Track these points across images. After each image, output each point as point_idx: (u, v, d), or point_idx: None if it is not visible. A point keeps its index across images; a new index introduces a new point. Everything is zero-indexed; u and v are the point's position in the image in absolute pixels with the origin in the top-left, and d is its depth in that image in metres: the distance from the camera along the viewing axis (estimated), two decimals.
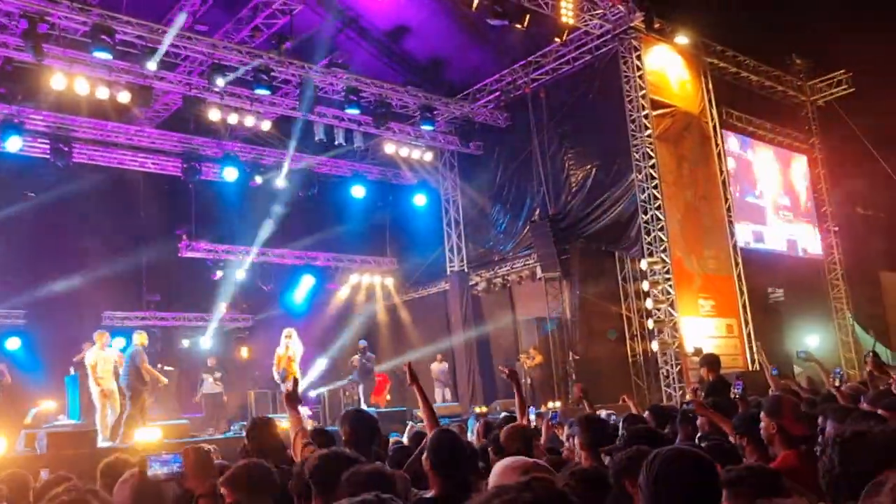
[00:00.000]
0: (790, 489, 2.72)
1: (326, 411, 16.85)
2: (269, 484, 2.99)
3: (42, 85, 13.80)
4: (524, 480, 1.75)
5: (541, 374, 15.82)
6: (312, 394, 18.24)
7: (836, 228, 19.97)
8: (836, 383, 7.13)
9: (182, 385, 17.12)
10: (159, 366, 16.74)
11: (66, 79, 13.40)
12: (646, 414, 6.46)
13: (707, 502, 2.20)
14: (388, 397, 17.49)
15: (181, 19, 12.96)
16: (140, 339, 12.45)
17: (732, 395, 6.20)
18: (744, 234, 17.49)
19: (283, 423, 7.50)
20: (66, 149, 15.23)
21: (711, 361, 7.61)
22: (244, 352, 19.43)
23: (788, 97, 19.93)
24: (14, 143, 14.33)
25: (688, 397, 12.91)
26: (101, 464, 4.32)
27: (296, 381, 5.03)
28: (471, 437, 6.62)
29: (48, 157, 15.24)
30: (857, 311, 19.43)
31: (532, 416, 5.86)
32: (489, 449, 4.71)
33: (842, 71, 19.32)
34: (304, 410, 14.87)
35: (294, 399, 4.74)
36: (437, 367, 17.60)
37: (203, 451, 2.52)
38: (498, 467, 2.36)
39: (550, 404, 14.48)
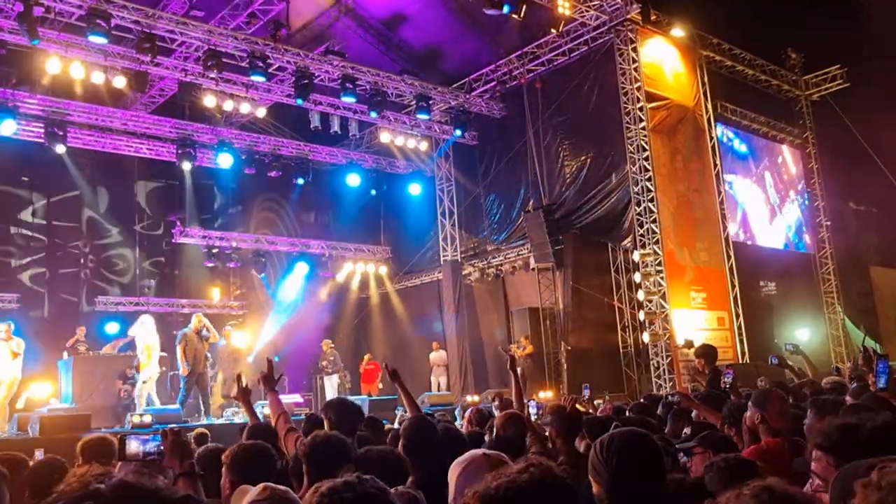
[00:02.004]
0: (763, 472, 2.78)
1: (319, 399, 16.92)
2: (267, 465, 3.03)
3: (37, 69, 13.78)
4: (525, 464, 1.81)
5: (531, 364, 15.89)
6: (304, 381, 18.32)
7: (829, 223, 20.07)
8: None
9: (174, 371, 17.13)
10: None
11: (62, 63, 13.37)
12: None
13: (654, 475, 2.35)
14: (381, 385, 17.55)
15: None
16: (195, 321, 12.60)
17: (723, 385, 6.27)
18: (736, 226, 17.59)
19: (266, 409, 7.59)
20: (60, 133, 15.19)
21: (708, 353, 7.66)
22: (236, 338, 19.43)
23: (783, 91, 19.99)
24: (8, 127, 14.27)
25: (663, 391, 13.04)
26: (80, 442, 4.34)
27: (270, 363, 4.91)
28: (459, 424, 6.71)
29: (43, 141, 15.20)
30: (847, 306, 19.56)
31: (532, 409, 5.88)
32: (485, 436, 4.77)
33: (836, 66, 19.39)
34: (296, 398, 14.94)
35: (271, 381, 4.71)
36: (436, 355, 17.65)
37: (180, 433, 2.56)
38: (451, 468, 2.41)
39: (542, 394, 14.59)
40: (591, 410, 7.09)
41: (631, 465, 2.28)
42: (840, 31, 16.36)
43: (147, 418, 10.79)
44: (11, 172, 17.39)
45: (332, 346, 16.79)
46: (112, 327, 17.08)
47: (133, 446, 2.40)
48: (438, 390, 16.73)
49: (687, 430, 4.50)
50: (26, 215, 18.06)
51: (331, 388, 15.98)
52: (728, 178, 17.72)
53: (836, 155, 19.18)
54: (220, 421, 12.38)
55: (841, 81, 19.34)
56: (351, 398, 12.53)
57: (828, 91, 19.72)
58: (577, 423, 4.34)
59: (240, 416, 11.90)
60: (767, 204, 19.30)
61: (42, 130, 15.16)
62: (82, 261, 18.61)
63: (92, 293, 18.26)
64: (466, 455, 2.37)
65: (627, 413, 6.09)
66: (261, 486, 2.50)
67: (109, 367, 14.21)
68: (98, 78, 13.92)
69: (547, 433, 5.89)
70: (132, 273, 19.27)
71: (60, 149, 15.47)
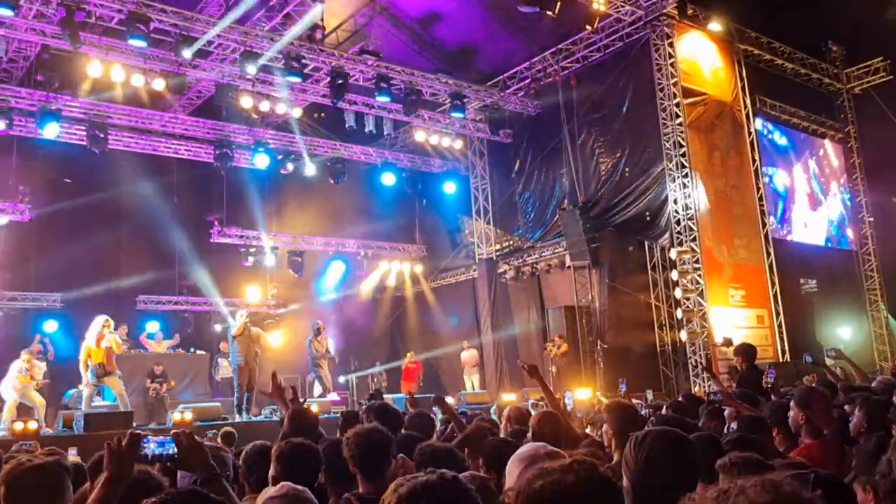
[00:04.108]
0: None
1: (355, 397, 17.02)
2: (311, 462, 3.08)
3: (78, 72, 14.05)
4: (568, 462, 1.78)
5: (566, 363, 15.82)
6: (341, 379, 18.42)
7: (871, 219, 19.67)
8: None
9: (213, 369, 17.36)
10: (192, 349, 17.09)
11: (102, 66, 13.62)
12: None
13: (685, 476, 2.32)
14: (421, 384, 17.61)
15: None
16: (240, 318, 12.68)
17: (765, 385, 6.16)
18: (776, 222, 17.32)
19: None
20: (101, 135, 15.46)
21: (747, 352, 7.49)
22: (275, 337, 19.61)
23: (824, 85, 19.62)
24: (51, 130, 14.60)
25: (696, 389, 12.86)
26: None
27: (274, 375, 5.13)
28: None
29: (84, 143, 15.50)
30: (891, 303, 19.15)
31: (567, 401, 5.88)
32: (528, 434, 4.74)
33: (879, 58, 18.98)
34: (333, 396, 15.02)
35: (296, 398, 4.88)
36: (467, 354, 17.64)
37: (192, 435, 2.56)
38: (510, 462, 2.41)
39: (578, 393, 14.48)
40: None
41: (660, 463, 2.28)
42: (882, 23, 16.01)
43: (189, 415, 10.95)
44: (55, 174, 17.74)
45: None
46: (152, 326, 17.40)
47: (151, 447, 2.38)
48: (473, 389, 16.72)
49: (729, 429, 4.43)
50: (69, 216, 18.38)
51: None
52: (768, 172, 17.47)
53: (879, 149, 18.76)
54: (259, 418, 12.50)
55: (884, 74, 18.93)
56: (388, 396, 12.57)
57: (870, 84, 19.32)
58: (634, 421, 4.25)
59: (278, 415, 12.01)
60: (810, 197, 18.97)
61: (84, 133, 15.46)
62: (123, 260, 18.90)
63: (132, 292, 18.53)
64: (527, 451, 2.36)
65: (665, 410, 6.01)
66: (280, 484, 2.60)
67: (142, 366, 14.52)
68: (137, 81, 14.17)
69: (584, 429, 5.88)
70: (171, 272, 19.52)
71: (101, 151, 15.74)
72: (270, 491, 2.59)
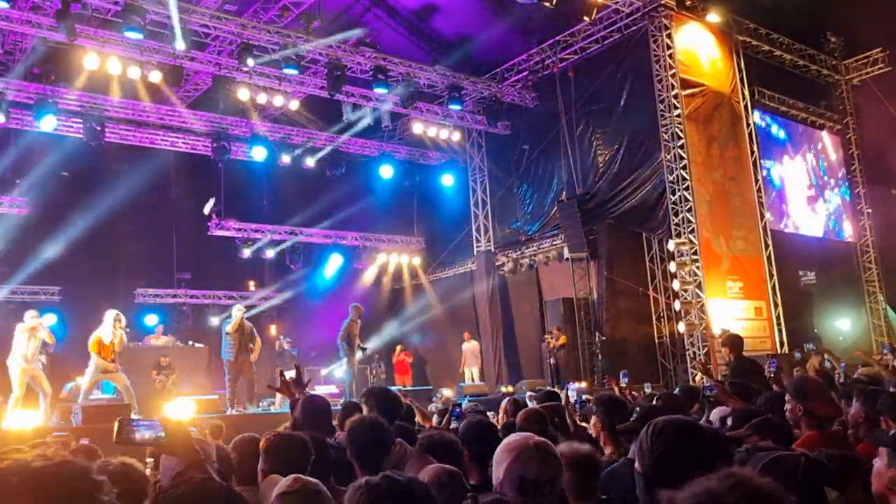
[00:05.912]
0: None
1: (354, 390, 17.01)
2: (301, 456, 3.06)
3: (75, 65, 14.00)
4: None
5: (565, 355, 15.82)
6: (338, 373, 18.43)
7: (870, 210, 19.66)
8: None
9: (212, 361, 17.34)
10: (190, 343, 17.08)
11: (99, 59, 13.57)
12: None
13: (700, 466, 2.22)
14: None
15: None
16: (237, 312, 12.59)
17: (767, 374, 6.12)
18: (774, 214, 17.30)
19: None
20: (98, 128, 15.43)
21: (734, 342, 7.43)
22: (272, 330, 19.62)
23: (822, 76, 19.57)
24: (48, 123, 14.56)
25: (697, 379, 12.82)
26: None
27: (298, 369, 5.07)
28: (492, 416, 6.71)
29: (81, 136, 15.46)
30: (889, 295, 19.15)
31: (571, 394, 5.85)
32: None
33: (878, 49, 18.93)
34: (331, 388, 15.06)
35: (301, 385, 4.79)
36: (468, 346, 17.63)
37: (178, 421, 2.57)
38: (498, 451, 2.38)
39: (575, 385, 14.49)
40: (628, 397, 7.00)
41: (677, 454, 2.23)
42: (881, 14, 15.96)
43: (186, 408, 10.92)
44: (52, 167, 17.69)
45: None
46: (151, 319, 17.39)
47: (142, 430, 2.40)
48: (473, 381, 16.72)
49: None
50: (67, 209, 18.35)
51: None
52: (765, 164, 17.45)
53: (878, 140, 18.74)
54: (256, 411, 12.50)
55: (882, 65, 18.88)
56: None
57: (869, 75, 19.28)
58: (622, 413, 4.23)
59: (275, 408, 12.04)
60: (809, 189, 18.96)
61: (81, 126, 15.42)
62: (121, 253, 18.89)
63: (131, 285, 18.54)
64: (515, 442, 2.32)
65: (655, 401, 5.98)
66: (292, 477, 2.47)
67: (146, 358, 14.52)
68: (134, 73, 14.12)
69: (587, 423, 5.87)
70: (169, 266, 19.52)
71: (98, 144, 15.71)
72: (282, 485, 2.46)
